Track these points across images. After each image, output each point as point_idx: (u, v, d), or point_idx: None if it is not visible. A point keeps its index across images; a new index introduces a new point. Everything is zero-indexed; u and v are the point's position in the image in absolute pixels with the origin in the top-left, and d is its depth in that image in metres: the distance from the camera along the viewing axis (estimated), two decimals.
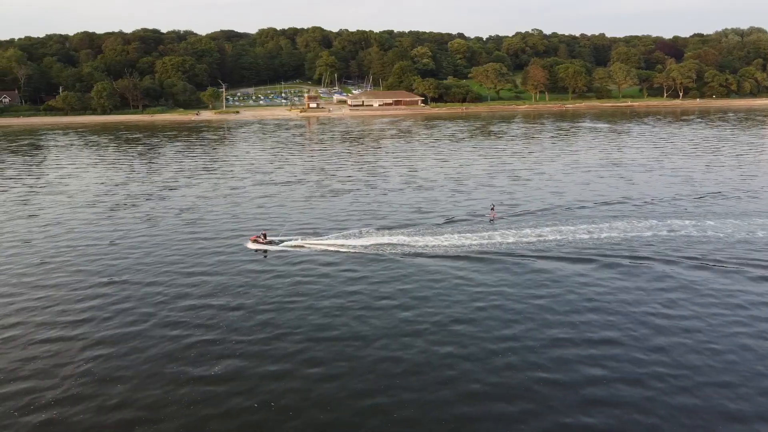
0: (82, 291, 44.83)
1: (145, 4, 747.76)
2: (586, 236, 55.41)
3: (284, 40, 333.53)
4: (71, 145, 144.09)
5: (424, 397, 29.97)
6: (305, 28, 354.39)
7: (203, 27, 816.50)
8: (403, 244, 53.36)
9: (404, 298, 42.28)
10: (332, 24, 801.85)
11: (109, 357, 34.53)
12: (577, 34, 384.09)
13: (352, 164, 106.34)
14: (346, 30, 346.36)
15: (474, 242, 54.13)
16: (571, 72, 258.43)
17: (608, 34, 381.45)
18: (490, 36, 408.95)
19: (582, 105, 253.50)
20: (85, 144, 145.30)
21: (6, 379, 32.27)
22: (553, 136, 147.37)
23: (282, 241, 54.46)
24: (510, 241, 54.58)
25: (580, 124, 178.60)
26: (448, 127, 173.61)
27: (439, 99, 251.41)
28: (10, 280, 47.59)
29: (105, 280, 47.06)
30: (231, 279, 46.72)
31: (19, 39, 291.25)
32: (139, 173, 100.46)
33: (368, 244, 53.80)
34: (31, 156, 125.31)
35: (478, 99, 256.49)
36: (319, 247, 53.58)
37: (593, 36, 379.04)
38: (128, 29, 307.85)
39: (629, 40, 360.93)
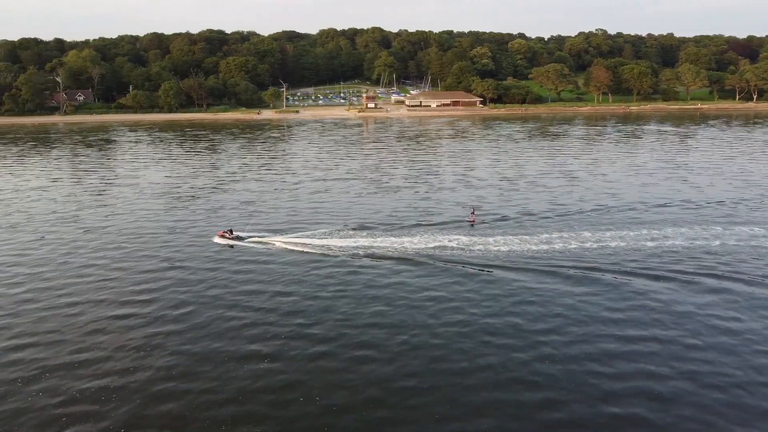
0: (146, 274, 47.81)
1: (212, 6, 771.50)
2: (651, 243, 53.05)
3: (344, 40, 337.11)
4: (140, 141, 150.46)
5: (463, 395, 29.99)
6: (365, 28, 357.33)
7: (266, 28, 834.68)
8: (377, 246, 53.00)
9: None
10: (392, 24, 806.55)
11: (166, 333, 36.86)
12: (644, 34, 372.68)
13: (407, 163, 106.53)
14: (406, 30, 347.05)
15: (507, 248, 53.07)
16: (636, 73, 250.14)
17: (677, 34, 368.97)
18: (552, 36, 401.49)
19: (647, 107, 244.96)
20: (153, 140, 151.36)
21: (75, 349, 35.20)
22: (614, 139, 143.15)
23: (249, 237, 56.17)
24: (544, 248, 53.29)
25: (644, 127, 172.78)
26: (506, 129, 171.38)
27: (498, 100, 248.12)
28: (87, 261, 51.44)
29: (167, 264, 50.23)
30: (280, 267, 48.16)
31: (94, 40, 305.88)
32: (203, 168, 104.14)
33: (334, 245, 53.69)
34: (103, 151, 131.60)
35: (539, 100, 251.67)
36: (282, 244, 54.28)
37: (660, 36, 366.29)
38: (195, 30, 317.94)
39: (699, 40, 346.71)
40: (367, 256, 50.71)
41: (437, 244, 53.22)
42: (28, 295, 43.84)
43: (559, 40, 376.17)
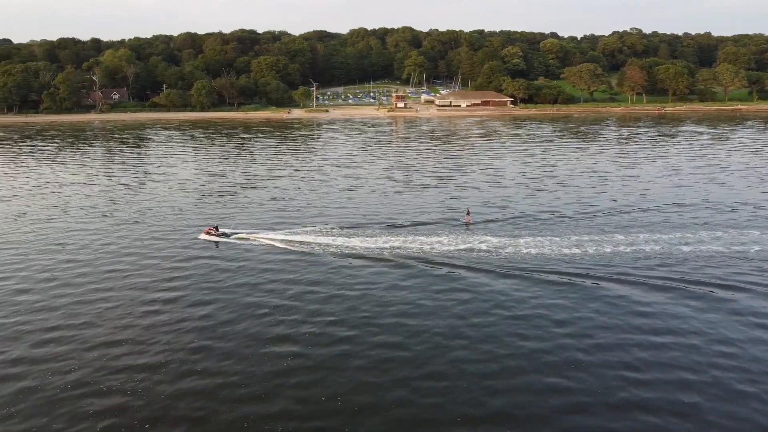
0: (178, 263, 49.69)
1: (244, 6, 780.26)
2: (686, 248, 51.15)
3: (374, 40, 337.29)
4: (172, 139, 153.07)
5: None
6: (395, 28, 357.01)
7: (297, 27, 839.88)
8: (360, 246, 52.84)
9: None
10: (422, 24, 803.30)
11: (200, 323, 37.91)
12: (680, 33, 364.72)
13: (435, 162, 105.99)
14: (436, 30, 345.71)
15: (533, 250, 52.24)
16: (671, 73, 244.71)
17: (714, 33, 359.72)
18: (585, 35, 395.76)
19: (683, 108, 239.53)
20: (186, 138, 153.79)
21: (112, 341, 35.98)
22: (647, 140, 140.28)
23: (234, 234, 56.89)
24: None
25: (679, 128, 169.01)
26: (537, 129, 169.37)
27: (528, 100, 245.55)
28: (119, 252, 53.28)
29: (199, 253, 52.24)
30: (316, 258, 48.51)
31: (129, 39, 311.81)
32: (234, 165, 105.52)
33: (316, 242, 54.13)
34: (137, 148, 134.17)
35: (570, 100, 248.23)
36: (267, 241, 54.96)
37: (698, 35, 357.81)
38: (227, 30, 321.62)
39: (738, 39, 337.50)
40: (351, 255, 50.55)
41: (467, 245, 52.34)
42: (62, 283, 45.25)
43: (592, 40, 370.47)
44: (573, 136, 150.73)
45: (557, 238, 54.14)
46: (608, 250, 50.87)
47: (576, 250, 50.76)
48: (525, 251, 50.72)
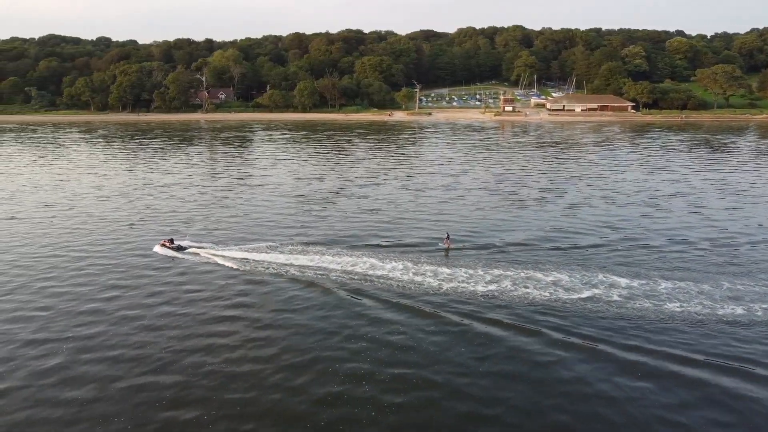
0: (251, 276, 46.85)
1: (354, 5, 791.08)
2: None
3: (482, 39, 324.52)
4: (273, 140, 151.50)
5: None
6: (505, 27, 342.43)
7: (404, 27, 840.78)
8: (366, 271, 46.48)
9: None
10: (534, 22, 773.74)
11: (265, 337, 36.45)
12: None
13: (544, 174, 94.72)
14: (549, 29, 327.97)
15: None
16: None
17: None
18: (717, 33, 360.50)
19: None
20: (286, 140, 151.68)
21: (163, 364, 33.80)
22: None
23: (189, 247, 53.57)
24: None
25: None
26: (661, 138, 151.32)
27: (652, 105, 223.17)
28: (194, 270, 48.95)
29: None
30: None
31: (241, 40, 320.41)
32: (329, 171, 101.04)
33: (274, 260, 49.55)
34: (238, 149, 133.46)
35: (702, 106, 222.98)
36: (218, 258, 50.79)
37: None
38: (335, 30, 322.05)
39: None
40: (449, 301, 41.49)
41: (588, 293, 41.34)
42: (131, 292, 43.96)
43: (725, 38, 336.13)
44: (705, 147, 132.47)
45: (705, 286, 42.30)
46: None
47: (738, 310, 38.48)
48: (666, 306, 38.93)
